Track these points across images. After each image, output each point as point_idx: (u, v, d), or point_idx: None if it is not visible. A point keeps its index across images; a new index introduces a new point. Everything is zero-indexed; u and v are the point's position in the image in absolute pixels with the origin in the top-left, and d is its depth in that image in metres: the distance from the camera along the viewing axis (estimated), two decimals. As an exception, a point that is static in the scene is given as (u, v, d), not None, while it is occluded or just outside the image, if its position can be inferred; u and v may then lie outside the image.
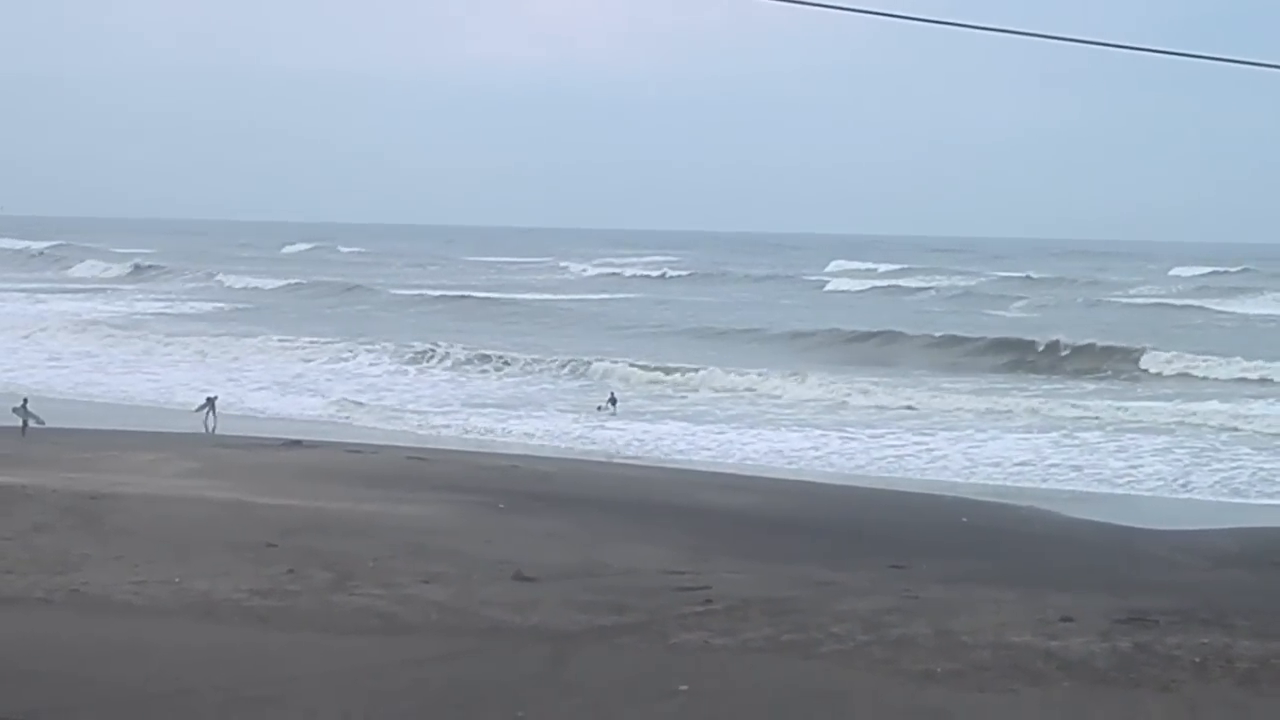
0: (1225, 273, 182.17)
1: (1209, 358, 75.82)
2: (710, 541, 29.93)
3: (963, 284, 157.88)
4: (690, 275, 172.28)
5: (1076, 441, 51.30)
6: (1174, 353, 78.23)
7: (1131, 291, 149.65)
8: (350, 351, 79.07)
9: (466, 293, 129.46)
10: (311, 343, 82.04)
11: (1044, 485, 43.52)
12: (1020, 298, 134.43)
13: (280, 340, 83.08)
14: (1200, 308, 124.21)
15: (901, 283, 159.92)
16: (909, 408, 60.89)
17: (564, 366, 73.33)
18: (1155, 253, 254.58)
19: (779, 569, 26.81)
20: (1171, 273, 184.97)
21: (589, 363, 73.52)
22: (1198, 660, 19.65)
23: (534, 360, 74.80)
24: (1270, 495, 41.98)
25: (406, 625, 21.14)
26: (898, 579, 25.98)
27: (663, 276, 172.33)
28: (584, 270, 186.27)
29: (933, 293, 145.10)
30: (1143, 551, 31.54)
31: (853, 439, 51.89)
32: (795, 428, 55.00)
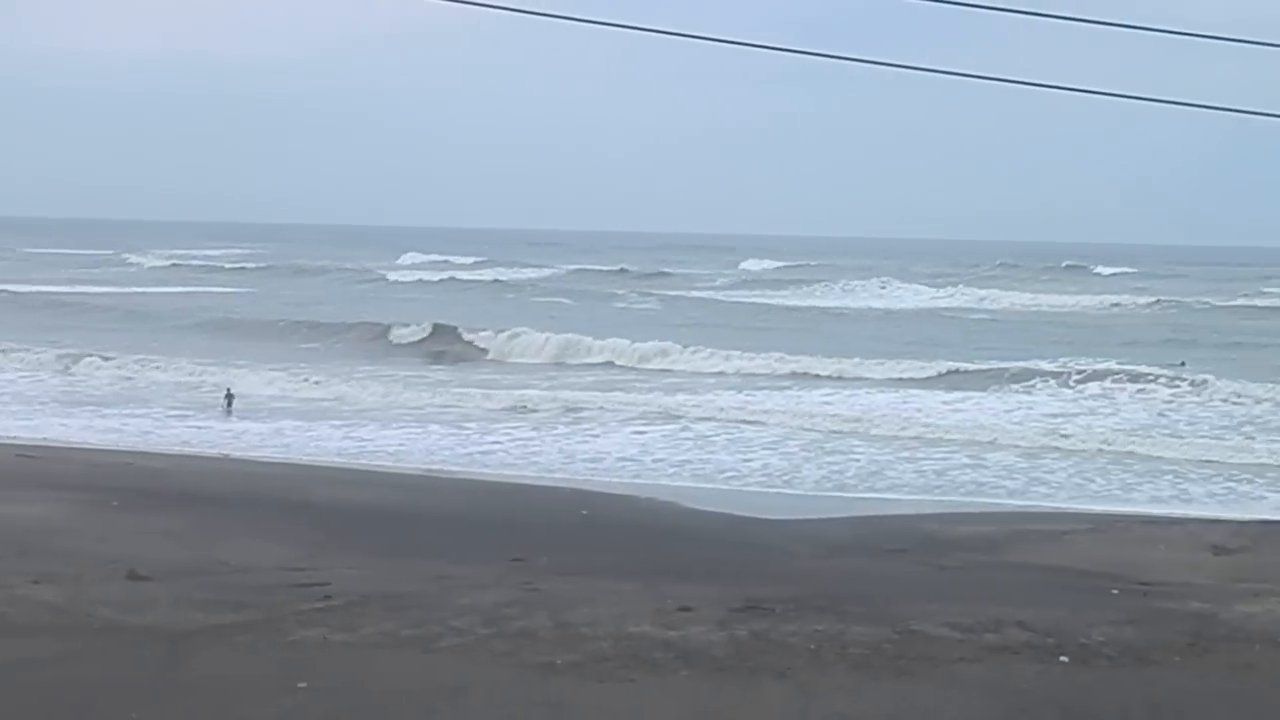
0: (803, 265, 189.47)
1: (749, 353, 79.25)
2: (330, 538, 29.64)
3: (531, 276, 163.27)
4: (268, 268, 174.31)
5: (690, 434, 52.64)
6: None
7: (701, 285, 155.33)
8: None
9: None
10: None
11: (658, 478, 44.48)
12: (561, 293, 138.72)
13: None
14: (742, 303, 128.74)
15: (460, 275, 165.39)
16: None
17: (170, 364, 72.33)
18: (740, 246, 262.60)
19: (399, 564, 26.70)
20: (742, 265, 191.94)
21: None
22: (813, 647, 20.21)
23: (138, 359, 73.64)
24: (879, 488, 43.61)
25: (16, 627, 20.40)
26: (518, 572, 26.09)
27: (240, 270, 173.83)
28: (144, 263, 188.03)
29: (495, 284, 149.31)
30: (760, 542, 32.33)
31: (454, 434, 52.50)
32: (403, 424, 55.26)
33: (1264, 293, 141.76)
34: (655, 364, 78.86)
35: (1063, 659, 20.65)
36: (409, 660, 19.23)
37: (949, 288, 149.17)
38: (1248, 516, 38.13)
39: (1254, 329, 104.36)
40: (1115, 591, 28.06)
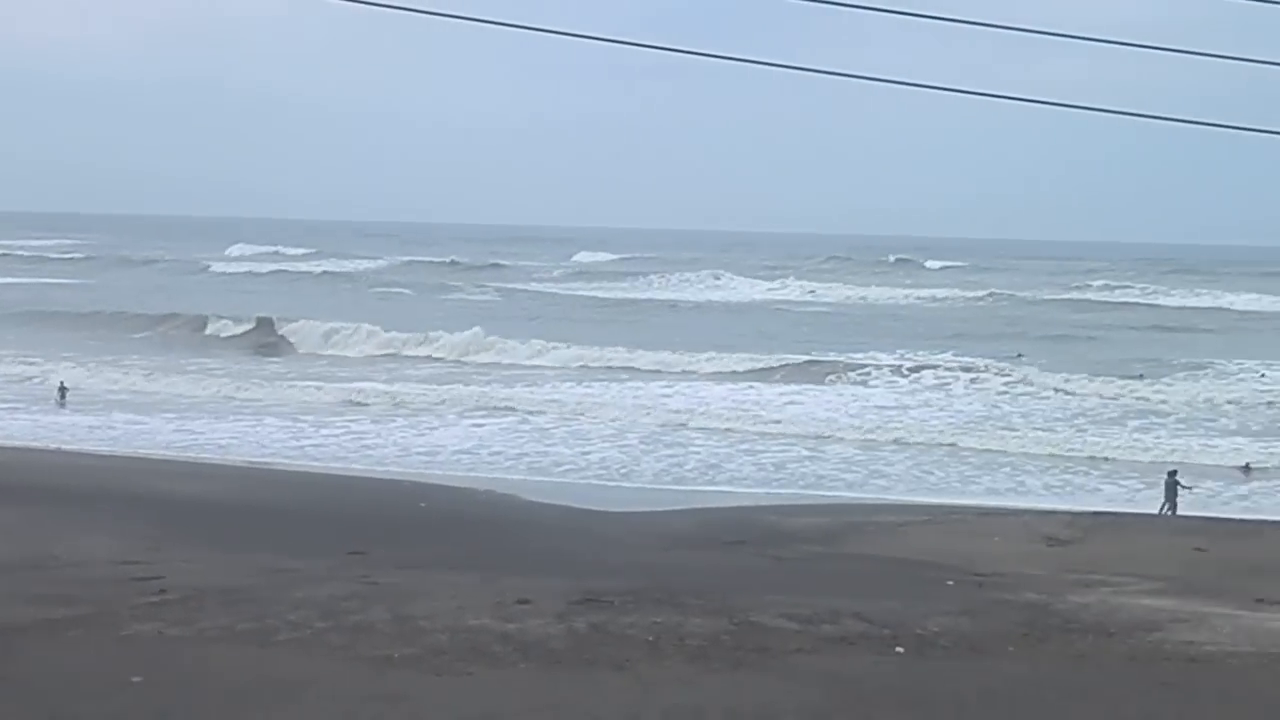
0: (637, 258, 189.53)
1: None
2: (165, 531, 29.28)
3: (363, 267, 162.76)
4: (94, 259, 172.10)
5: (528, 427, 52.69)
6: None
7: (537, 277, 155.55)
8: None
9: None
10: None
11: (496, 471, 44.46)
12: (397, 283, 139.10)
13: None
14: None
15: (288, 267, 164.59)
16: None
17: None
18: (575, 238, 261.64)
19: (235, 557, 26.43)
20: (576, 257, 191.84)
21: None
22: (651, 639, 20.29)
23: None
24: (718, 481, 43.88)
25: None
26: (356, 565, 25.94)
27: (68, 260, 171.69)
28: None
29: (325, 276, 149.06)
30: (599, 534, 32.44)
31: (289, 427, 52.15)
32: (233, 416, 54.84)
33: (1090, 285, 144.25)
34: (490, 356, 78.74)
35: (899, 649, 20.91)
36: (245, 654, 19.03)
37: (780, 280, 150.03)
38: (1081, 508, 38.89)
39: (1083, 322, 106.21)
40: (951, 583, 28.50)
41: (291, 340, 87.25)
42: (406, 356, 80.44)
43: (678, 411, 57.22)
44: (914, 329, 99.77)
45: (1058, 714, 18.07)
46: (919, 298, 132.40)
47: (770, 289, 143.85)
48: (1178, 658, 21.27)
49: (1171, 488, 39.19)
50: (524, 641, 19.92)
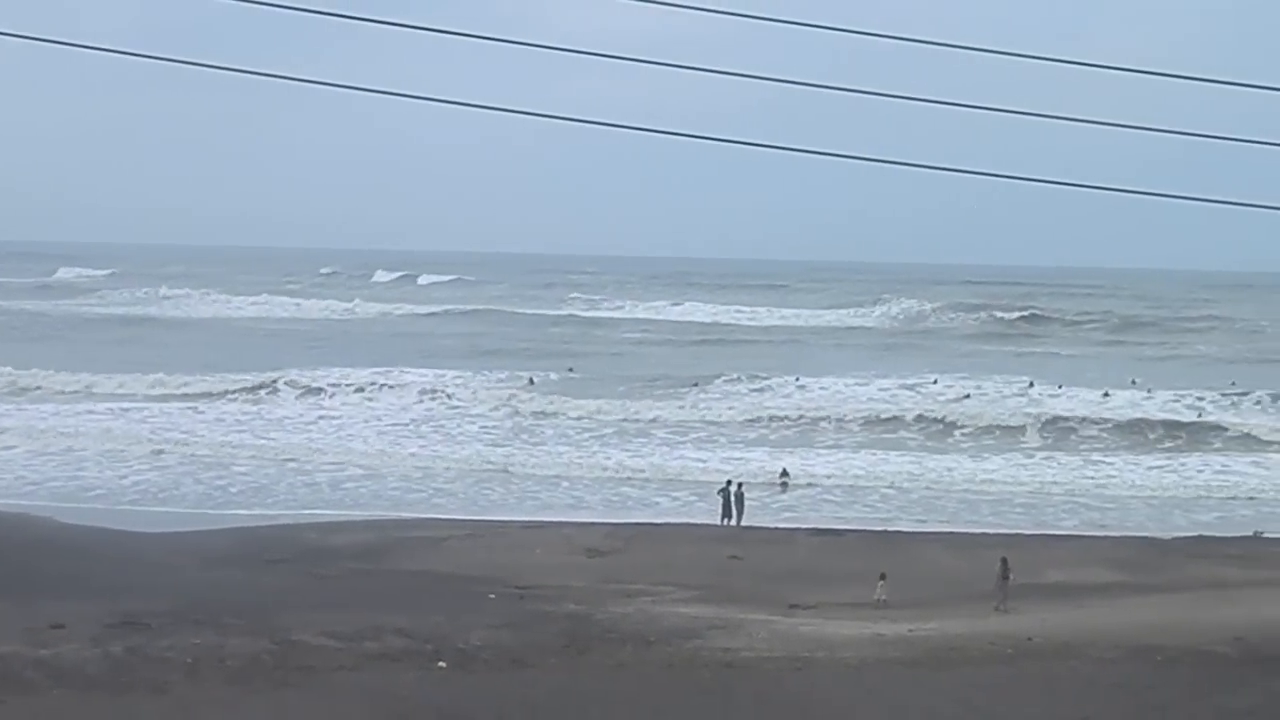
0: (128, 274, 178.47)
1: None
2: None
3: None
4: None
5: (62, 448, 50.96)
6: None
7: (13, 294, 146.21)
8: None
9: None
10: None
11: (25, 495, 42.79)
12: None
13: None
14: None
15: None
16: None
17: None
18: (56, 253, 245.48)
19: None
20: (59, 274, 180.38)
21: None
22: (190, 660, 20.03)
23: None
24: (263, 503, 43.17)
25: None
26: None
27: None
28: None
29: None
30: (137, 555, 31.71)
31: None
32: None
33: (583, 300, 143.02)
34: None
35: (441, 664, 21.14)
36: None
37: (267, 296, 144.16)
38: (620, 520, 39.78)
39: (602, 337, 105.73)
40: (493, 596, 28.88)
41: None
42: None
43: (198, 436, 55.04)
44: (417, 344, 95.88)
45: (597, 723, 18.55)
46: (418, 314, 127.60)
47: (254, 303, 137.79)
48: (715, 664, 22.07)
49: (728, 498, 40.33)
50: (58, 667, 19.42)
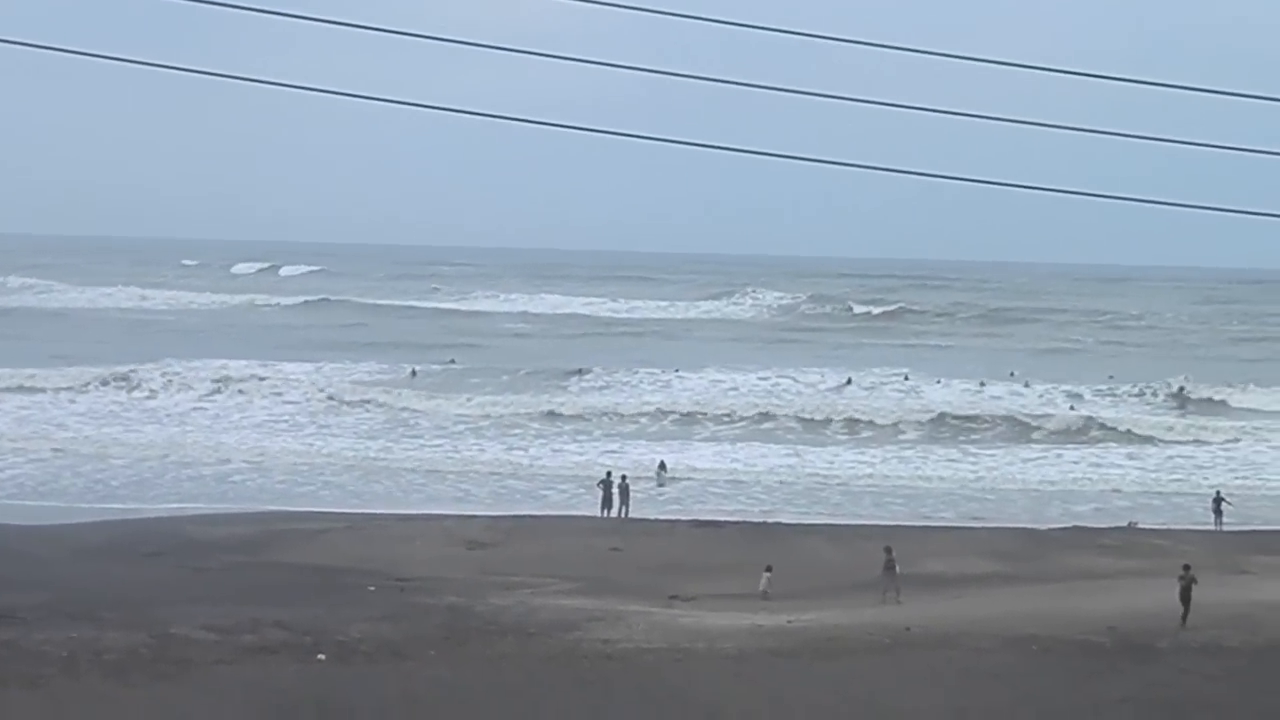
0: None
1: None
2: None
3: None
4: None
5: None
6: None
7: None
8: None
9: None
10: None
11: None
12: None
13: None
14: None
15: None
16: None
17: None
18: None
19: None
20: None
21: None
22: (66, 654, 19.91)
23: None
24: (143, 496, 42.78)
25: None
26: None
27: None
28: None
29: None
30: (8, 549, 31.40)
31: None
32: None
33: (454, 292, 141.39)
34: None
35: (320, 657, 21.15)
36: None
37: (119, 286, 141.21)
38: (500, 512, 39.86)
39: (470, 329, 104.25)
40: (372, 588, 28.90)
41: None
42: None
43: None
44: (296, 337, 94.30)
45: (478, 716, 18.65)
46: (285, 306, 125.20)
47: (108, 295, 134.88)
48: (595, 656, 22.23)
49: (608, 490, 40.51)
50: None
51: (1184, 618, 24.75)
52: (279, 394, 64.77)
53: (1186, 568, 25.59)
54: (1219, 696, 20.34)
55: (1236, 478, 49.06)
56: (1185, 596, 24.96)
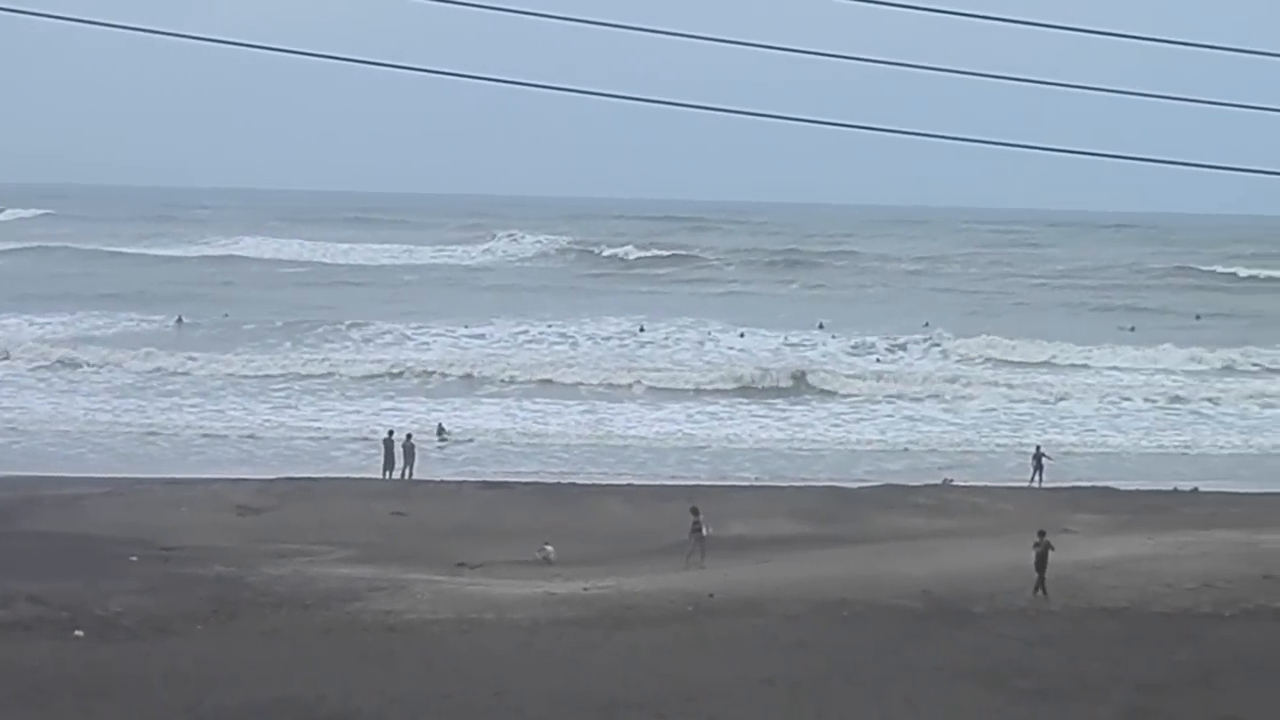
0: None
1: None
2: None
3: None
4: None
5: None
6: None
7: None
8: None
9: None
10: None
11: None
12: None
13: None
14: None
15: None
16: None
17: None
18: None
19: None
20: None
21: None
22: None
23: None
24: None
25: None
26: None
27: None
28: None
29: None
30: None
31: None
32: None
33: (195, 238, 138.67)
34: None
35: (78, 633, 20.81)
36: None
37: None
38: (273, 475, 39.40)
39: (210, 277, 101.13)
40: (135, 558, 28.41)
41: None
42: None
43: None
44: (29, 288, 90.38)
45: (250, 695, 18.44)
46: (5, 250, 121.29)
47: None
48: (376, 627, 22.13)
49: (390, 449, 40.28)
50: None
51: (1038, 585, 24.98)
52: (33, 347, 63.18)
53: (1042, 534, 25.79)
54: (1038, 663, 20.68)
55: (1056, 432, 50.03)
56: (1041, 564, 25.17)
